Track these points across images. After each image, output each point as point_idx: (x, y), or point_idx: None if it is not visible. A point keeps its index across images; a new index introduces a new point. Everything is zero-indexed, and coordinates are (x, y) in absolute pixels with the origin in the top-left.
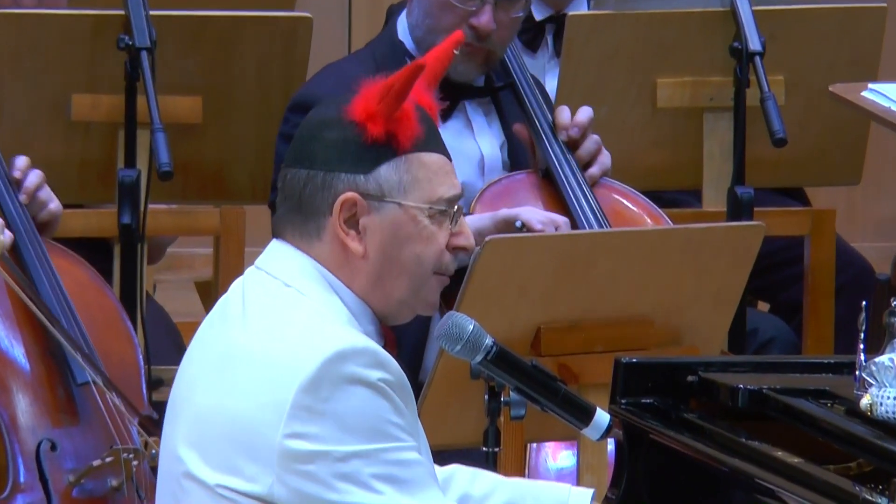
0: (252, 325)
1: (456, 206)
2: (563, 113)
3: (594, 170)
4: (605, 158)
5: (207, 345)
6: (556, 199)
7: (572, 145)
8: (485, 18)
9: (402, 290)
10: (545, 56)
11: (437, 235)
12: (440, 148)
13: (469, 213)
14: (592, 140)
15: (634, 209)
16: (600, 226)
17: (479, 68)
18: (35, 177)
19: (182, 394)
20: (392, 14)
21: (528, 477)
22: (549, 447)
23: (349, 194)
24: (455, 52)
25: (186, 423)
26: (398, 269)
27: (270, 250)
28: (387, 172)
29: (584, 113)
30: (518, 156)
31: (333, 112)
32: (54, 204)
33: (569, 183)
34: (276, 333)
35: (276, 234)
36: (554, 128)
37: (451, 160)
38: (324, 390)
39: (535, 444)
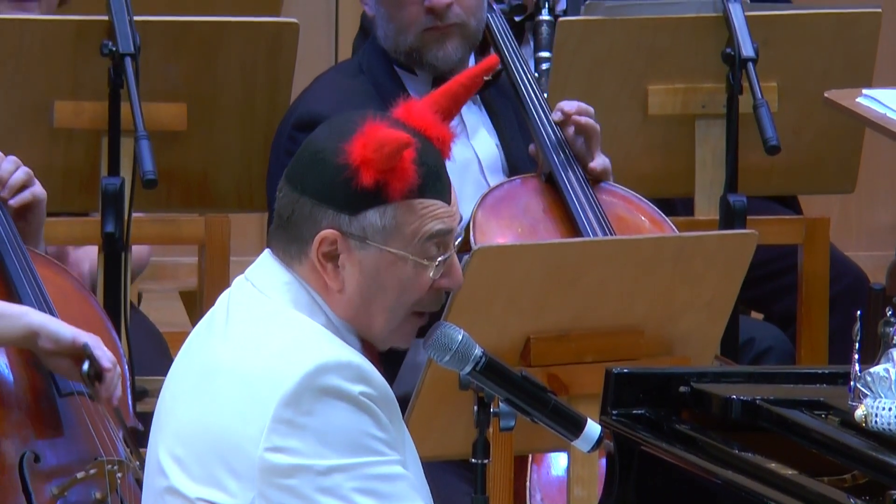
0: (234, 339)
1: (445, 247)
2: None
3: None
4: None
5: (192, 357)
6: (560, 204)
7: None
8: None
9: (380, 326)
10: (527, 53)
11: (417, 280)
12: (438, 192)
13: (471, 217)
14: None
15: (638, 215)
16: (604, 231)
17: (460, 47)
18: (21, 173)
19: (166, 406)
20: (371, 24)
21: (531, 488)
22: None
23: (330, 231)
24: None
25: (169, 436)
26: (376, 308)
27: (261, 262)
28: (373, 218)
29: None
30: (515, 157)
31: (334, 145)
32: (38, 187)
33: (572, 188)
34: (257, 346)
35: (269, 244)
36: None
37: (449, 200)
38: (304, 403)
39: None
